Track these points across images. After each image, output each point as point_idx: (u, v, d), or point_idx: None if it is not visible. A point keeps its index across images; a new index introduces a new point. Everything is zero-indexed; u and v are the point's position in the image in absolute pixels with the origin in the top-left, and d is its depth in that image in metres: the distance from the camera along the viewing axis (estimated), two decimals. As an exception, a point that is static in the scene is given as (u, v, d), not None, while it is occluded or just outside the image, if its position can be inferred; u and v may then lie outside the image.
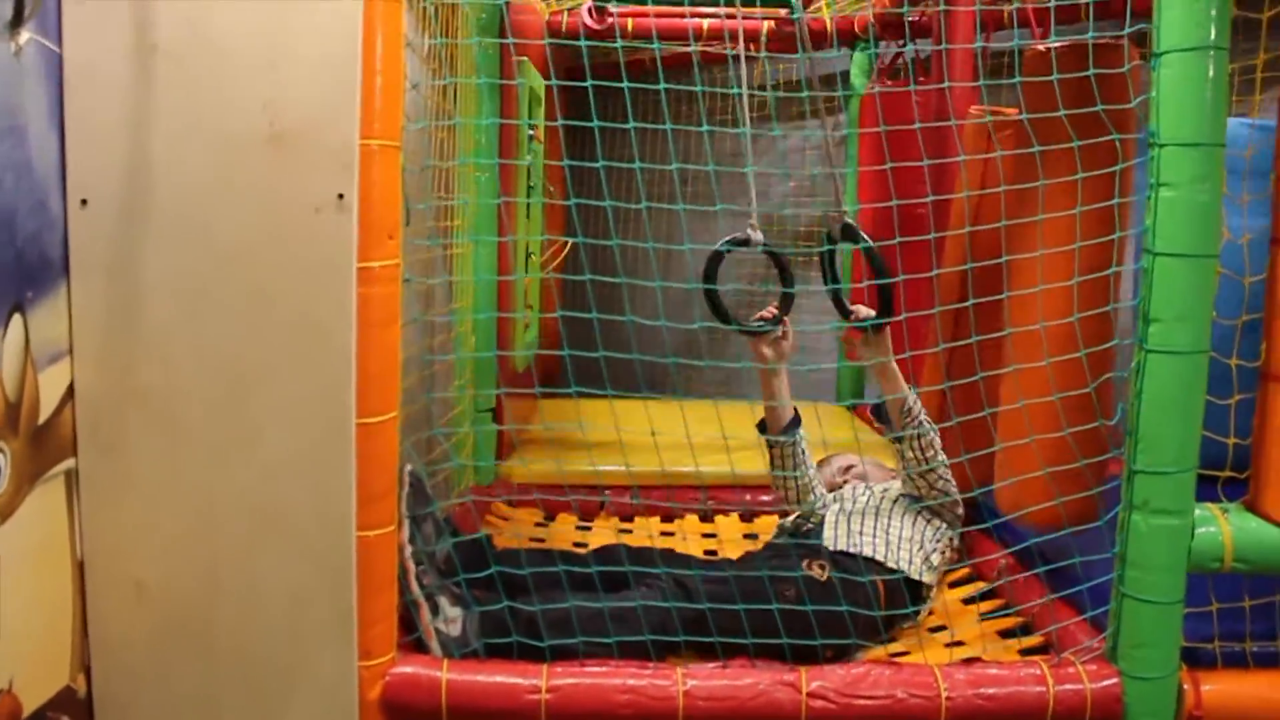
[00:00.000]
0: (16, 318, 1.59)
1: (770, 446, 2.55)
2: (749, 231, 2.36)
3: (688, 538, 2.85)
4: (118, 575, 1.78)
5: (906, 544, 2.35)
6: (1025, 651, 2.05)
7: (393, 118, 1.74)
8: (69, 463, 1.74)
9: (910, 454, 2.38)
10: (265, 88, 1.70)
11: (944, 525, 2.45)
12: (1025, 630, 2.19)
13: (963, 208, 2.44)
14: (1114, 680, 1.82)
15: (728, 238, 2.29)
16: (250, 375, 1.75)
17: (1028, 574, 2.24)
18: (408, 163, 1.84)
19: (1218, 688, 1.84)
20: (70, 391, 1.74)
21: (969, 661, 1.98)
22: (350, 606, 1.78)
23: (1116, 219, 1.94)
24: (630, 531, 2.81)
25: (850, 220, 2.32)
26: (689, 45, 3.38)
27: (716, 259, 2.32)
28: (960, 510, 2.48)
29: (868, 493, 2.55)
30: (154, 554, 1.78)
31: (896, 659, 2.09)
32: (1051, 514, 2.00)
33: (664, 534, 2.90)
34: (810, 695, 1.81)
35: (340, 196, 1.70)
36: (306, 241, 1.72)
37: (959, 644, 2.14)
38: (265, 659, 1.80)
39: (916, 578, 2.31)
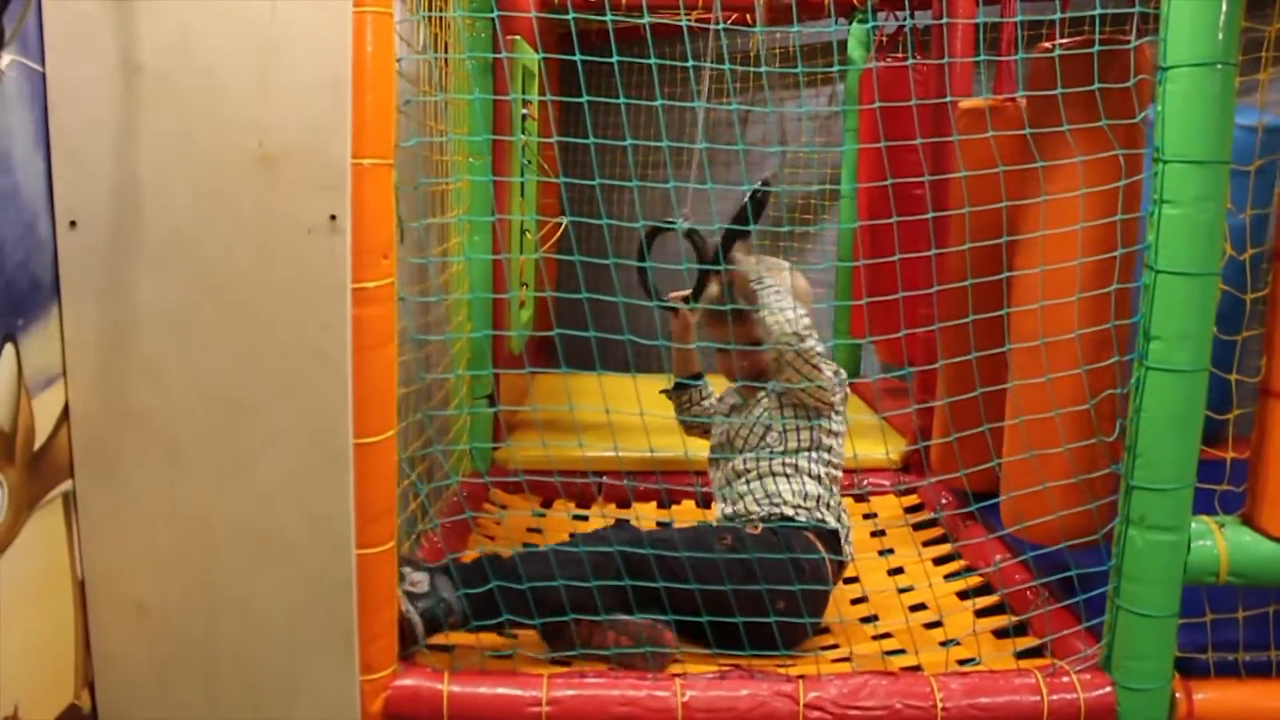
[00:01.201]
0: (8, 348, 1.57)
1: (671, 399, 2.72)
2: (680, 220, 2.47)
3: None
4: (119, 595, 1.78)
5: (801, 498, 2.35)
6: (1021, 654, 2.07)
7: (384, 136, 1.71)
8: (66, 485, 1.74)
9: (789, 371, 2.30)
10: (254, 107, 1.66)
11: (818, 443, 2.39)
12: (1019, 629, 2.20)
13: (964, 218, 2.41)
14: (1108, 690, 1.84)
15: (656, 222, 2.44)
16: (246, 396, 1.74)
17: (1031, 584, 2.26)
18: (400, 177, 1.81)
19: (1210, 697, 1.86)
20: (65, 414, 1.73)
21: (964, 666, 2.01)
22: (351, 622, 1.79)
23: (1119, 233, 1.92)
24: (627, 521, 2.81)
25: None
26: (680, 16, 3.30)
27: (649, 239, 2.50)
28: (838, 395, 2.40)
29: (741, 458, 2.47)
30: (154, 574, 1.78)
31: (890, 657, 2.11)
32: (1052, 528, 2.00)
33: (660, 523, 2.89)
34: (808, 706, 1.83)
35: (333, 218, 1.68)
36: (299, 263, 1.69)
37: (954, 643, 2.15)
38: (267, 675, 1.81)
39: (829, 524, 2.33)
